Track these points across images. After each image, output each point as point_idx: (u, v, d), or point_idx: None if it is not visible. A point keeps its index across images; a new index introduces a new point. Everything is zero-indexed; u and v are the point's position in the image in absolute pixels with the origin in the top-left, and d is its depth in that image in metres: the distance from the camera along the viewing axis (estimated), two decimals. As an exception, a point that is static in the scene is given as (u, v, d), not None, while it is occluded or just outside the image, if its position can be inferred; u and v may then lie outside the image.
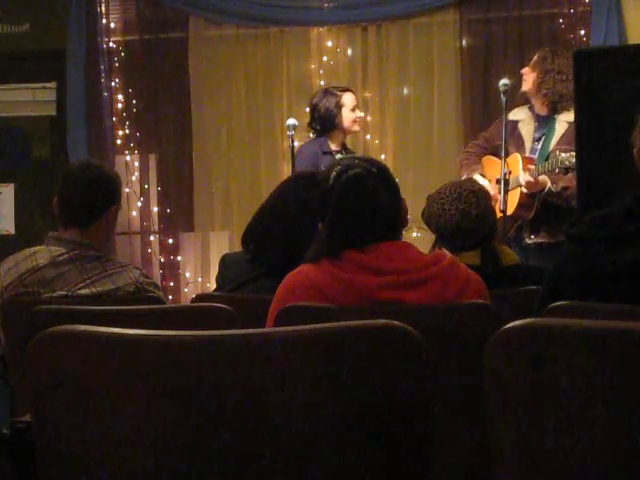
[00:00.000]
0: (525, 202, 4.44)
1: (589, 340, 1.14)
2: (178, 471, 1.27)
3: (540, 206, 4.44)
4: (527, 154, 4.58)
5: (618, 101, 3.13)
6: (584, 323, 1.16)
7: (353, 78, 5.95)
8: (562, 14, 5.67)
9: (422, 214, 3.08)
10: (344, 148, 4.99)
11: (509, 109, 4.57)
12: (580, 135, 3.38)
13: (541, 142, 4.60)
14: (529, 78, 4.66)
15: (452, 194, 2.96)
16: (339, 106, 4.91)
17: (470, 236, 2.91)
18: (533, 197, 4.43)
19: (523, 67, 4.75)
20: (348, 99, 4.96)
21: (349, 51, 6.00)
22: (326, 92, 5.00)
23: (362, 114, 5.11)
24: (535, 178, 4.37)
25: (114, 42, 6.15)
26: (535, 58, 4.69)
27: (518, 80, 4.74)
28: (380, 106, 5.96)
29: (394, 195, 2.26)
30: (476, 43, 5.84)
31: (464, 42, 5.81)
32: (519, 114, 4.71)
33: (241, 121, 6.07)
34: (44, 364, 1.26)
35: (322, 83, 5.79)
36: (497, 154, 4.51)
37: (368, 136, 5.95)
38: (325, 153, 4.86)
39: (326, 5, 5.93)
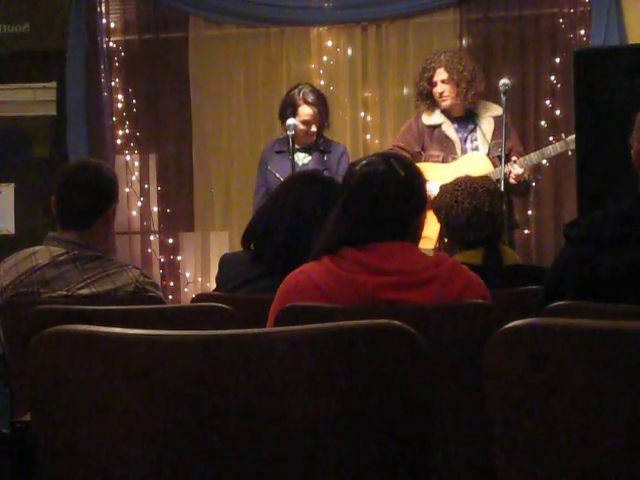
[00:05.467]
0: None
1: (589, 340, 1.14)
2: (178, 470, 1.27)
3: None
4: (458, 155, 4.56)
5: (618, 101, 3.13)
6: (584, 323, 1.16)
7: (353, 78, 5.95)
8: (562, 14, 5.66)
9: (432, 202, 3.04)
10: None
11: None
12: (580, 135, 3.38)
13: (468, 141, 4.59)
14: (450, 93, 4.57)
15: (467, 188, 2.96)
16: None
17: (477, 233, 2.91)
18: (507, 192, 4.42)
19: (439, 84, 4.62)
20: None
21: (349, 51, 5.99)
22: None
23: None
24: (525, 169, 4.37)
25: (114, 42, 6.15)
26: (446, 72, 4.59)
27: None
28: (380, 106, 5.95)
29: (412, 205, 2.21)
30: (476, 43, 5.83)
31: (464, 42, 5.81)
32: (435, 118, 4.66)
33: (241, 121, 6.06)
34: (44, 364, 1.26)
35: (322, 83, 5.78)
36: (417, 161, 4.48)
37: (368, 136, 5.95)
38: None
39: (326, 5, 5.92)
